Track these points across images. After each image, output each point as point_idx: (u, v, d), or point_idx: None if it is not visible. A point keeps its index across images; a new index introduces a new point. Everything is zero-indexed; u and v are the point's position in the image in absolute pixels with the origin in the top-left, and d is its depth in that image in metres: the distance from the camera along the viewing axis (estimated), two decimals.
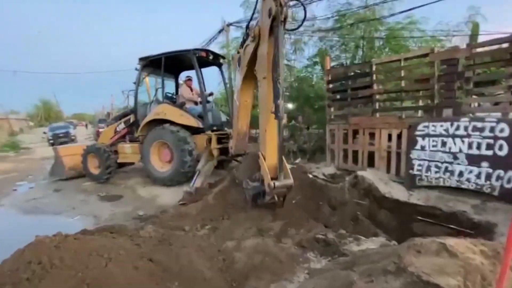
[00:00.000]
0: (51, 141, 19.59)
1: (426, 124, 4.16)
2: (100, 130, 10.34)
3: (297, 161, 6.97)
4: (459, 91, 4.13)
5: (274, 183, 3.09)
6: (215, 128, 6.08)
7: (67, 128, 22.26)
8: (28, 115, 46.05)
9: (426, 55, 4.48)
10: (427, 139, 4.15)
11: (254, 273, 2.35)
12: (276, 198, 3.35)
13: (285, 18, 2.89)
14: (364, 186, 4.51)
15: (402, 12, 7.10)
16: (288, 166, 5.94)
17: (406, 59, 4.77)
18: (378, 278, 1.70)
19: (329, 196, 4.49)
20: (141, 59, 6.31)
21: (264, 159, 3.36)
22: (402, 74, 4.83)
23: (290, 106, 11.36)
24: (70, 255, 1.56)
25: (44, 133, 22.77)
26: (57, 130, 21.21)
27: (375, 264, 1.93)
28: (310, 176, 5.40)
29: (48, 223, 4.31)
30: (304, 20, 3.57)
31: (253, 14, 3.47)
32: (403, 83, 4.89)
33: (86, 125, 42.07)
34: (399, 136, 4.66)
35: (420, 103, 5.09)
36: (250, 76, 3.92)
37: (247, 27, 3.63)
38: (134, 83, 6.52)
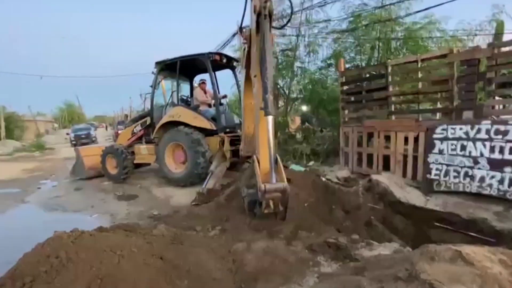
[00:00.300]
0: (74, 142, 20.51)
1: (445, 127, 4.02)
2: (119, 131, 10.71)
3: (310, 164, 6.90)
4: (480, 92, 3.97)
5: (265, 186, 2.80)
6: (228, 130, 6.15)
7: (88, 129, 23.21)
8: (53, 117, 48.40)
9: (444, 55, 4.33)
10: (445, 142, 4.00)
11: (263, 275, 2.35)
12: (271, 205, 2.98)
13: (270, 14, 2.93)
14: (378, 190, 4.41)
15: (420, 11, 6.91)
16: (301, 169, 5.97)
17: (423, 60, 4.64)
18: (389, 285, 1.66)
19: (342, 200, 4.42)
20: (157, 63, 6.50)
21: (259, 162, 3.15)
22: (419, 76, 4.70)
23: (304, 108, 11.30)
24: (86, 251, 1.63)
25: (67, 134, 23.87)
26: (79, 132, 22.17)
27: (386, 270, 1.88)
28: (323, 179, 5.34)
29: (68, 220, 4.51)
30: (291, 16, 3.53)
31: (243, 16, 3.32)
32: (420, 85, 4.76)
33: (106, 127, 43.63)
34: (416, 139, 4.52)
35: (439, 105, 4.92)
36: (250, 77, 3.97)
37: (240, 29, 3.60)
38: (151, 86, 6.71)
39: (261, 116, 2.93)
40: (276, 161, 3.09)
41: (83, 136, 21.45)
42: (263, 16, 2.90)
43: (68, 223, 4.02)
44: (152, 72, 6.61)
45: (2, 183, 7.73)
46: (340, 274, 2.26)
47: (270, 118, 2.83)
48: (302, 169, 6.02)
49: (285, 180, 2.97)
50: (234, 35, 10.37)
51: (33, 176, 8.83)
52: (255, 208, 3.12)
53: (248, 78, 4.09)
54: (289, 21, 3.59)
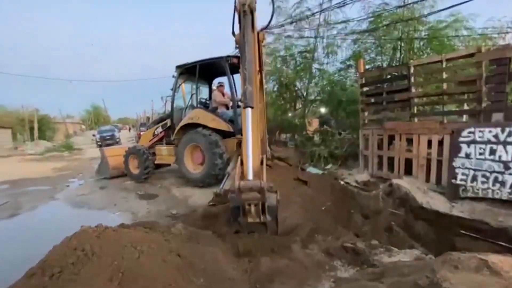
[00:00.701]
0: (99, 143, 21.51)
1: (472, 129, 3.82)
2: (141, 133, 11.12)
3: (328, 167, 6.79)
4: (511, 93, 3.74)
5: (239, 183, 2.52)
6: None
7: (112, 131, 24.26)
8: (81, 119, 51.06)
9: (472, 55, 4.13)
10: (473, 146, 3.80)
11: (278, 277, 2.35)
12: (253, 211, 2.68)
13: (251, 10, 2.96)
14: (400, 195, 4.26)
15: (445, 9, 6.61)
16: (319, 172, 5.90)
17: (448, 59, 4.44)
18: None
19: (361, 204, 4.32)
20: (177, 67, 6.69)
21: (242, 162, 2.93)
22: (444, 76, 4.50)
23: (322, 110, 11.14)
24: (108, 245, 1.72)
25: (93, 135, 25.08)
26: (104, 133, 23.23)
27: (406, 277, 1.82)
28: (342, 182, 5.24)
29: (93, 216, 4.74)
30: (272, 15, 3.46)
31: (233, 21, 3.20)
32: (445, 86, 4.55)
33: (129, 129, 45.37)
34: (440, 143, 4.33)
35: (465, 106, 4.68)
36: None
37: (233, 33, 3.55)
38: (171, 89, 6.91)
39: (242, 109, 2.78)
40: (261, 161, 2.98)
41: (108, 137, 22.46)
42: (241, 10, 2.93)
43: (92, 219, 4.24)
44: (173, 76, 6.82)
45: (34, 180, 8.27)
46: (357, 279, 2.21)
47: (249, 111, 2.66)
48: (320, 172, 5.95)
49: (264, 178, 2.69)
50: None
51: (62, 174, 9.37)
52: (239, 217, 2.77)
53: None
54: (270, 21, 3.51)
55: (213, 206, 4.48)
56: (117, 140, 22.89)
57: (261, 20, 3.41)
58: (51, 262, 1.62)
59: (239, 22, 3.07)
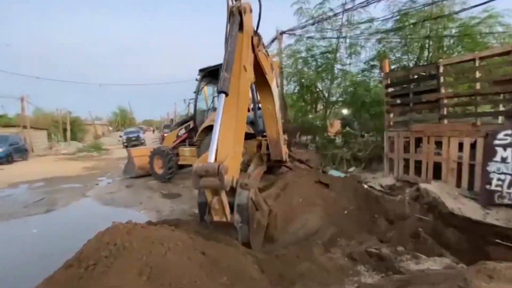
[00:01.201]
0: (125, 144, 22.51)
1: (509, 132, 3.58)
2: (165, 134, 11.49)
3: (350, 169, 6.64)
4: None
5: (196, 166, 2.34)
6: (265, 133, 6.22)
7: (138, 132, 25.31)
8: (108, 121, 53.64)
9: (507, 52, 3.87)
10: (509, 149, 3.56)
11: (300, 279, 2.33)
12: (216, 205, 2.42)
13: (240, 12, 3.02)
14: (428, 200, 4.08)
15: (478, 5, 6.24)
16: (341, 175, 5.77)
17: (482, 58, 4.20)
18: None
19: (386, 209, 4.18)
20: (200, 70, 6.86)
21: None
22: (477, 75, 4.26)
23: (344, 112, 10.92)
24: (138, 241, 1.81)
25: (120, 136, 26.30)
26: (130, 134, 24.28)
27: (435, 286, 1.74)
28: (365, 186, 5.11)
29: (121, 213, 4.96)
30: (260, 15, 3.41)
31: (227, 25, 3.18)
32: (478, 86, 4.31)
33: (153, 130, 47.03)
34: (473, 146, 4.10)
35: (501, 107, 4.39)
36: (261, 83, 4.01)
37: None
38: (194, 92, 7.09)
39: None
40: (263, 161, 2.88)
41: (133, 138, 23.45)
42: (230, 13, 3.02)
43: (121, 216, 4.44)
44: (196, 79, 6.99)
45: (67, 178, 8.82)
46: (382, 285, 2.15)
47: (222, 96, 2.60)
48: (342, 175, 5.83)
49: (227, 165, 2.35)
50: (273, 40, 10.48)
51: (91, 173, 9.91)
52: (205, 215, 2.56)
53: (259, 85, 4.18)
54: (258, 21, 3.48)
55: None
56: (142, 141, 23.83)
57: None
58: (86, 254, 1.73)
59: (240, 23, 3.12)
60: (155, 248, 1.79)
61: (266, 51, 4.17)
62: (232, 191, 2.57)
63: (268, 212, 3.02)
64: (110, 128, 50.37)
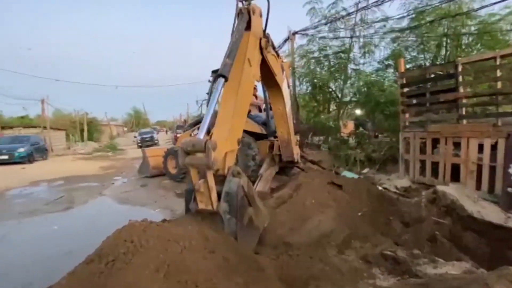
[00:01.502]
0: (139, 144, 23.03)
1: None
2: (178, 135, 11.67)
3: (364, 171, 6.53)
4: None
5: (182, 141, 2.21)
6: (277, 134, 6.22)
7: (151, 133, 25.84)
8: (123, 121, 55.04)
9: None
10: None
11: (314, 281, 2.32)
12: (201, 189, 2.17)
13: (248, 11, 3.03)
14: (445, 203, 3.96)
15: (498, 2, 6.01)
16: (354, 176, 5.69)
17: (503, 56, 4.05)
18: None
19: (401, 211, 4.09)
20: (213, 72, 6.93)
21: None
22: (498, 74, 4.11)
23: (357, 112, 10.77)
24: (154, 239, 1.85)
25: (135, 137, 26.94)
26: (144, 135, 24.83)
27: None
28: (379, 188, 5.02)
29: (136, 212, 5.09)
30: (268, 16, 3.37)
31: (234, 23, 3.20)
32: (499, 85, 4.15)
33: (166, 131, 47.85)
34: (494, 147, 3.95)
35: None
36: (271, 84, 4.04)
37: (264, 32, 3.53)
38: (207, 93, 7.18)
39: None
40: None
41: (147, 139, 23.97)
42: (239, 11, 3.03)
43: (136, 214, 4.55)
44: (209, 81, 7.08)
45: (85, 177, 9.11)
46: None
47: (221, 81, 2.54)
48: (356, 176, 5.74)
49: (217, 141, 2.21)
50: (285, 41, 10.47)
51: (108, 172, 10.20)
52: (190, 204, 2.37)
53: (269, 86, 4.21)
54: (267, 21, 3.46)
55: None
56: (156, 141, 24.31)
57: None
58: (106, 251, 1.78)
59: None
60: (171, 246, 1.83)
61: (276, 52, 4.18)
62: (223, 181, 2.32)
63: (265, 215, 2.75)
64: (125, 129, 51.66)
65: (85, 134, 27.48)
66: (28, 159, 13.49)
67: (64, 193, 6.71)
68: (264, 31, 3.47)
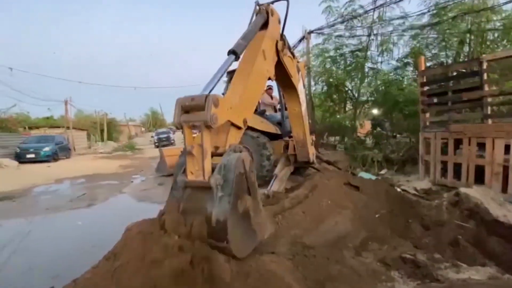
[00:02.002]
0: (156, 144, 23.65)
1: None
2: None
3: (382, 172, 6.38)
4: None
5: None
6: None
7: (168, 133, 26.45)
8: (141, 122, 56.60)
9: None
10: None
11: (330, 282, 2.31)
12: (194, 151, 1.86)
13: (267, 12, 3.00)
14: (468, 206, 3.81)
15: None
16: (372, 177, 5.58)
17: None
18: None
19: (421, 214, 3.97)
20: (228, 72, 6.95)
21: None
22: None
23: (374, 112, 10.53)
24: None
25: (152, 137, 27.66)
26: (161, 135, 25.48)
27: None
28: (398, 189, 4.89)
29: (155, 209, 5.21)
30: (286, 17, 3.30)
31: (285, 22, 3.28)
32: None
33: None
34: None
35: None
36: (287, 86, 4.03)
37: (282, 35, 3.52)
38: (223, 93, 7.25)
39: None
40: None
41: (164, 139, 24.57)
42: (257, 10, 2.98)
43: (155, 212, 4.68)
44: (224, 81, 7.15)
45: (105, 176, 9.47)
46: None
47: (231, 57, 2.39)
48: (373, 177, 5.62)
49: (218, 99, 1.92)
50: (300, 40, 10.40)
51: (127, 171, 10.54)
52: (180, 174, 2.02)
53: (284, 87, 4.19)
54: (285, 23, 3.40)
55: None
56: (172, 141, 24.85)
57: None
58: (127, 242, 1.87)
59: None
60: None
61: (292, 52, 4.17)
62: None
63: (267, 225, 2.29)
64: (143, 129, 53.08)
65: (105, 134, 28.49)
66: (53, 157, 14.16)
67: (87, 191, 7.00)
68: (282, 32, 3.46)
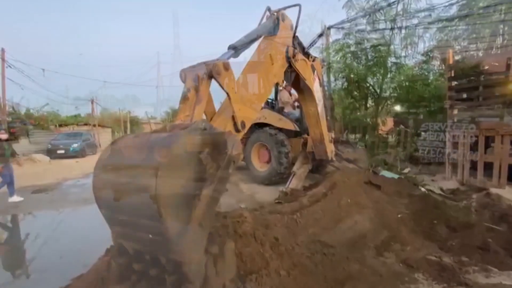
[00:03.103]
0: None
1: None
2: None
3: (405, 171, 6.15)
4: None
5: None
6: None
7: None
8: (161, 120, 58.18)
9: None
10: None
11: (350, 281, 2.27)
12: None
13: (278, 17, 3.12)
14: (500, 207, 3.60)
15: None
16: (394, 176, 5.39)
17: None
18: None
19: (447, 215, 3.81)
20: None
21: None
22: None
23: (397, 108, 10.15)
24: None
25: None
26: None
27: None
28: (422, 189, 4.70)
29: None
30: (298, 20, 3.24)
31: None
32: None
33: None
34: None
35: None
36: (302, 87, 4.03)
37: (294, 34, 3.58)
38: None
39: None
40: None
41: None
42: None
43: None
44: None
45: None
46: None
47: (230, 51, 2.57)
48: (396, 176, 5.44)
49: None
50: (320, 36, 10.21)
51: None
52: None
53: (299, 89, 4.17)
54: (297, 25, 3.37)
55: (279, 203, 4.56)
56: None
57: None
58: None
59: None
60: None
61: (307, 52, 4.11)
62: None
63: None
64: None
65: (128, 131, 29.58)
66: (80, 153, 14.91)
67: None
68: (294, 34, 3.46)
